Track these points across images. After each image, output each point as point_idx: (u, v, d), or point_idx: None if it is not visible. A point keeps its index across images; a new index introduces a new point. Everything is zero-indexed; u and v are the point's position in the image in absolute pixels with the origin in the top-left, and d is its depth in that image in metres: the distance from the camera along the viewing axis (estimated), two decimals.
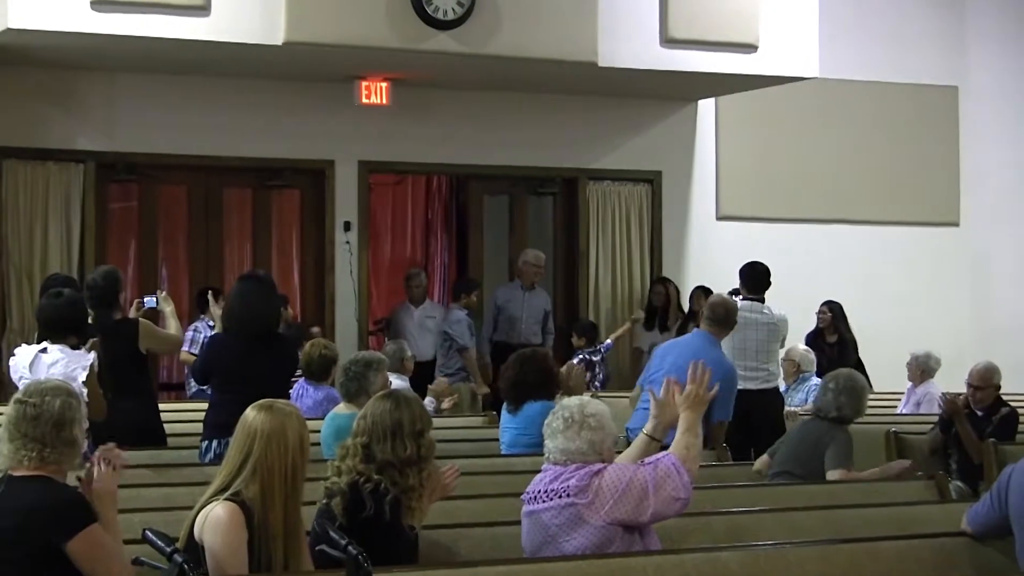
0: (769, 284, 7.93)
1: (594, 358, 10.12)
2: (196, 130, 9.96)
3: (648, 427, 4.24)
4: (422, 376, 9.27)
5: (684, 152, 11.37)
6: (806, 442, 5.97)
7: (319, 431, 5.92)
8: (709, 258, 11.21)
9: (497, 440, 6.54)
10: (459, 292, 10.10)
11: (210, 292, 6.64)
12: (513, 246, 11.16)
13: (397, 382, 6.96)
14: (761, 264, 7.98)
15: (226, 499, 3.49)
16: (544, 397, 6.15)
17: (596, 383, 9.99)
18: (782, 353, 8.32)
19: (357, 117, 10.19)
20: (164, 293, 7.20)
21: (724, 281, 10.74)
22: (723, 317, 6.80)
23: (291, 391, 7.49)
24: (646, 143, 11.19)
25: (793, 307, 8.20)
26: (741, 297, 7.99)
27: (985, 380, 7.18)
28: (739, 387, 6.82)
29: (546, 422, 3.98)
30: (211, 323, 9.07)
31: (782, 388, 8.47)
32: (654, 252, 11.20)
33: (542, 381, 6.17)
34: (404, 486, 3.85)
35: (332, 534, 3.41)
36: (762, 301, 7.85)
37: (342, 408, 6.06)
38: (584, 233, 11.12)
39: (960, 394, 7.21)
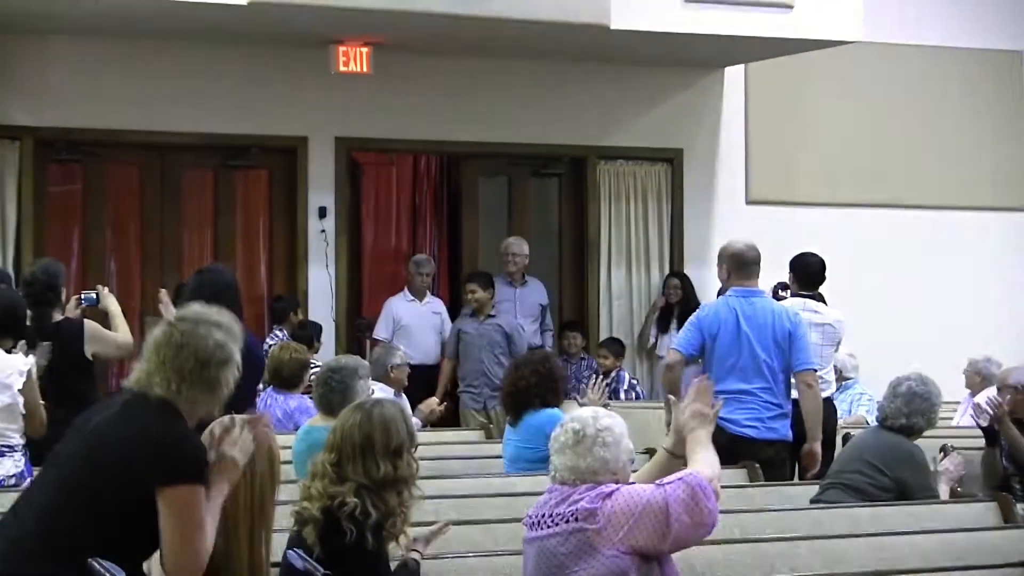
0: (824, 279, 7.93)
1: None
2: (149, 102, 9.96)
3: (668, 443, 4.24)
4: (426, 383, 9.24)
5: (708, 127, 11.38)
6: (879, 454, 5.92)
7: (290, 447, 5.93)
8: None
9: (496, 457, 6.57)
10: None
11: (162, 291, 6.65)
12: (512, 234, 11.14)
13: (381, 395, 6.95)
14: (815, 256, 7.98)
15: None
16: (546, 404, 6.16)
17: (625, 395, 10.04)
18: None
19: (333, 88, 10.19)
20: (105, 289, 7.14)
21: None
22: (752, 260, 6.85)
23: (257, 401, 7.51)
24: (665, 117, 11.20)
25: (833, 304, 8.18)
26: (790, 293, 8.00)
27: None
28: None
29: (552, 435, 3.97)
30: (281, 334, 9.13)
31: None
32: (674, 242, 11.20)
33: (543, 386, 6.18)
34: (384, 510, 3.85)
35: (307, 566, 3.40)
36: (816, 298, 7.85)
37: (318, 420, 6.07)
38: (594, 220, 11.13)
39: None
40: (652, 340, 11.00)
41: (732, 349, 6.73)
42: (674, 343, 7.03)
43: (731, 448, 6.22)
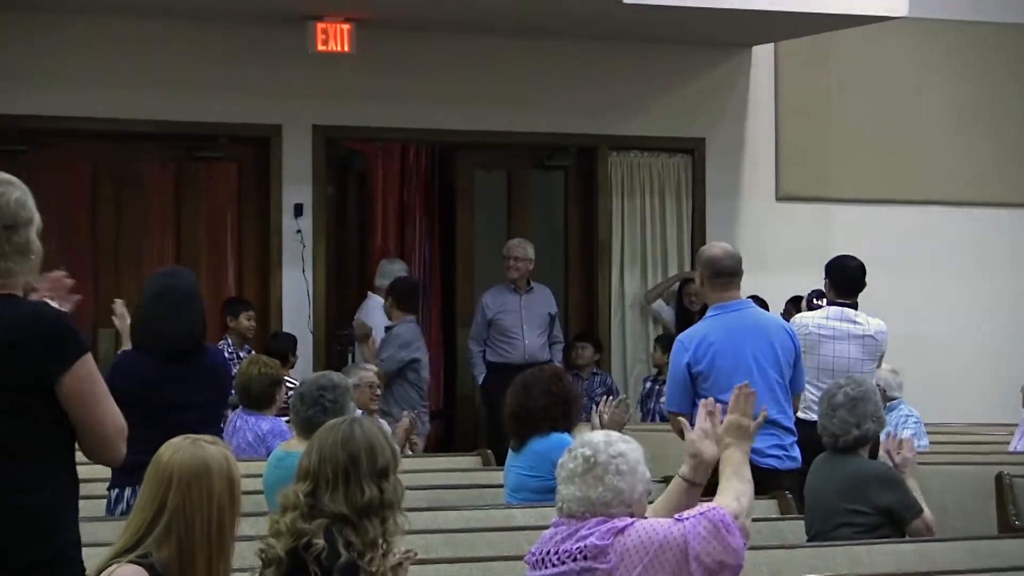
0: (863, 285, 7.92)
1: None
2: (103, 85, 9.97)
3: (684, 469, 4.21)
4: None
5: (735, 114, 11.39)
6: (847, 491, 5.88)
7: (261, 475, 5.91)
8: (767, 250, 11.22)
9: (496, 487, 6.57)
10: None
11: (117, 302, 6.66)
12: (513, 235, 11.13)
13: None
14: (853, 259, 7.97)
15: (131, 561, 3.46)
16: (556, 428, 6.15)
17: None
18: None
19: (311, 69, 10.21)
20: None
21: (786, 280, 10.72)
22: (734, 267, 6.83)
23: (225, 424, 7.46)
24: (685, 102, 11.21)
25: (873, 312, 8.16)
26: (826, 302, 7.98)
27: None
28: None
29: (560, 462, 3.95)
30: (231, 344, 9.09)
31: None
32: (695, 243, 11.14)
33: (554, 408, 6.18)
34: (362, 544, 3.81)
35: None
36: (854, 307, 7.84)
37: (294, 444, 6.02)
38: (605, 218, 11.14)
39: None
40: (661, 319, 10.99)
41: (735, 373, 6.63)
42: (664, 402, 7.00)
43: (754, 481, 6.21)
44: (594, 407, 6.76)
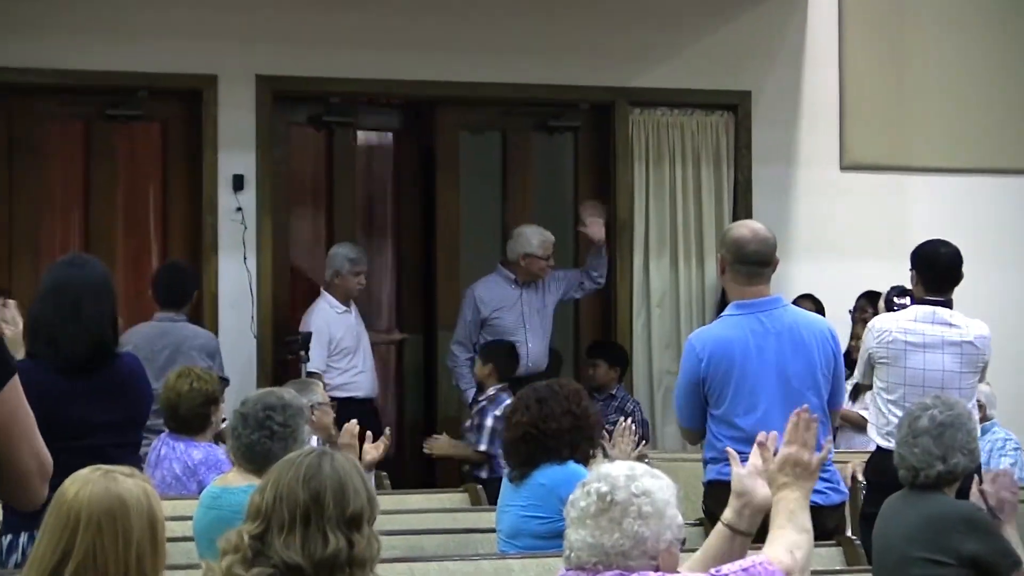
0: (959, 277, 7.96)
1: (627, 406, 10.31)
2: None
3: (728, 513, 4.25)
4: (371, 426, 9.26)
5: (787, 62, 11.41)
6: (926, 537, 5.90)
7: (191, 517, 5.93)
8: (828, 232, 11.28)
9: (486, 531, 6.61)
10: None
11: (9, 303, 6.62)
12: (509, 211, 11.18)
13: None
14: (947, 245, 8.01)
15: None
16: (575, 458, 6.20)
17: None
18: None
19: (254, 7, 10.23)
20: None
21: (852, 270, 10.73)
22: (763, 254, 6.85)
23: (146, 451, 7.44)
24: (725, 47, 11.22)
25: (958, 302, 8.18)
26: (909, 300, 8.04)
27: None
28: None
29: (570, 499, 4.00)
30: None
31: None
32: (739, 219, 11.11)
33: (576, 432, 6.24)
34: None
35: None
36: (949, 305, 7.89)
37: (233, 478, 6.07)
38: (625, 193, 11.15)
39: None
40: None
41: (760, 389, 6.76)
42: (677, 414, 7.11)
43: None
44: (606, 435, 6.80)
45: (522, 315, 10.39)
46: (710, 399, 6.76)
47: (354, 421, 7.98)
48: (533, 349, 10.36)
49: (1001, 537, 5.86)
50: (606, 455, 6.43)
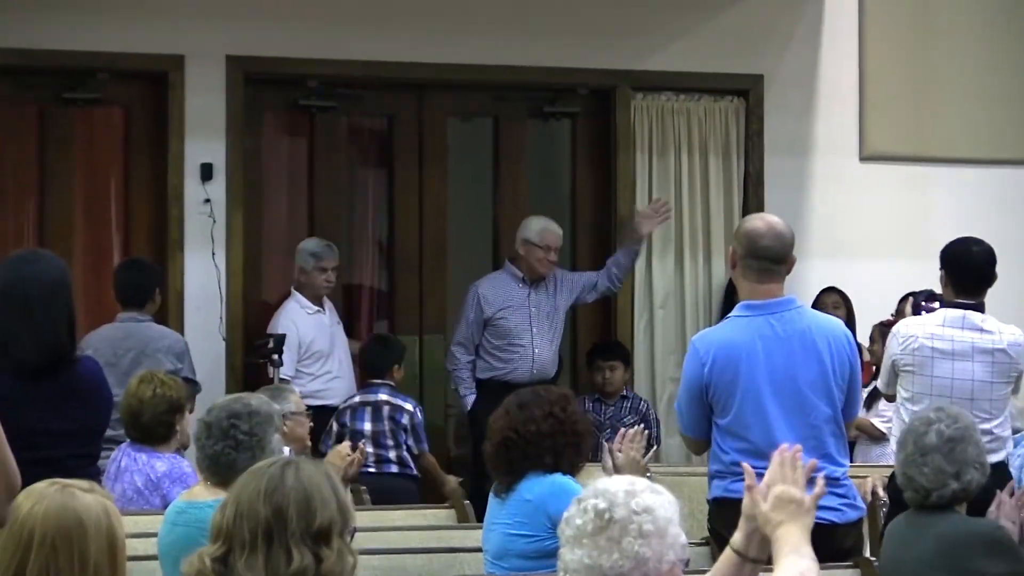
0: (992, 278, 7.98)
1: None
2: None
3: (737, 537, 4.26)
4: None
5: (803, 43, 11.43)
6: (943, 562, 5.91)
7: (154, 534, 5.93)
8: (845, 226, 11.31)
9: (473, 551, 6.59)
10: None
11: None
12: (501, 205, 11.22)
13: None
14: (979, 243, 8.03)
15: None
16: (560, 468, 6.22)
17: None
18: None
19: None
20: None
21: (871, 267, 10.71)
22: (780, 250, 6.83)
23: (106, 462, 7.43)
24: (735, 27, 11.25)
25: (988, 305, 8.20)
26: (939, 304, 8.04)
27: None
28: None
29: (565, 516, 3.98)
30: None
31: None
32: (750, 214, 11.12)
33: (560, 437, 6.25)
34: None
35: None
36: (981, 309, 7.90)
37: (200, 491, 6.09)
38: (626, 184, 11.17)
39: None
40: None
41: (768, 398, 6.76)
42: (679, 422, 7.09)
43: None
44: (604, 444, 6.79)
45: (529, 317, 10.39)
46: (715, 407, 6.75)
47: (346, 445, 8.02)
48: (539, 354, 10.35)
49: (1023, 557, 5.88)
50: (613, 462, 6.40)
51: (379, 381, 10.06)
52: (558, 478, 6.20)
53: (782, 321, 6.78)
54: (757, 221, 7.00)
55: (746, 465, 4.58)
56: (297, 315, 10.27)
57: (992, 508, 6.18)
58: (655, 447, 9.75)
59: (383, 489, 9.29)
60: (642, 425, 7.00)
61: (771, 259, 6.81)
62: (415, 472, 9.93)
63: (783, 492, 4.12)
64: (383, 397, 9.99)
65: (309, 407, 8.63)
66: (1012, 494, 6.35)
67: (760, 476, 4.22)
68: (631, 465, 6.26)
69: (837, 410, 6.80)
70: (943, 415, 6.11)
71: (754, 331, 6.75)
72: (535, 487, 6.18)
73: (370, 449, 9.57)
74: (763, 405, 6.70)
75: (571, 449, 6.30)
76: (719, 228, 11.22)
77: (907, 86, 11.59)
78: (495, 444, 6.33)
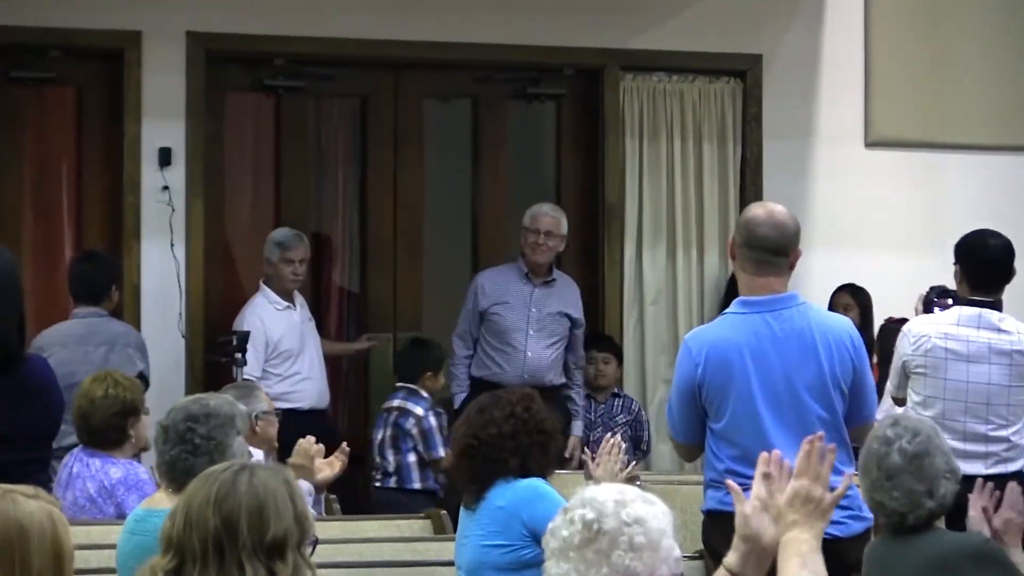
0: (1011, 273, 8.00)
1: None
2: None
3: (731, 557, 4.25)
4: (322, 439, 9.28)
5: (805, 21, 11.47)
6: None
7: (109, 545, 5.95)
8: (849, 215, 11.37)
9: (450, 564, 6.59)
10: None
11: None
12: (480, 191, 11.25)
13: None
14: (996, 236, 8.07)
15: None
16: (527, 471, 6.24)
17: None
18: None
19: None
20: None
21: (877, 259, 10.74)
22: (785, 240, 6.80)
23: (58, 469, 7.41)
24: (733, 4, 11.29)
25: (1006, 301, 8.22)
26: (951, 301, 8.09)
27: None
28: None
29: (550, 527, 3.98)
30: None
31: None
32: (747, 203, 11.11)
33: (523, 437, 6.26)
34: None
35: None
36: (998, 307, 7.92)
37: (160, 499, 6.09)
38: (615, 170, 11.21)
39: None
40: None
41: (764, 402, 6.74)
42: (669, 427, 7.08)
43: None
44: (587, 452, 6.79)
45: (528, 316, 10.37)
46: (709, 411, 6.73)
47: (311, 438, 7.99)
48: (533, 358, 10.31)
49: (1012, 566, 5.88)
50: (589, 476, 6.40)
51: (402, 385, 10.11)
52: (530, 482, 6.22)
53: (780, 319, 6.76)
54: (758, 208, 6.98)
55: (730, 483, 4.57)
56: (264, 311, 10.26)
57: (972, 513, 6.17)
58: (642, 458, 9.77)
59: (381, 507, 9.34)
60: (617, 436, 6.99)
61: (769, 250, 6.78)
62: (419, 484, 9.93)
63: (803, 488, 4.13)
64: (395, 403, 10.03)
65: (277, 411, 8.62)
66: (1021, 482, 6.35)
67: (748, 488, 4.21)
68: (609, 479, 6.26)
69: (838, 414, 6.77)
70: (901, 430, 6.03)
71: (750, 330, 6.73)
72: (506, 493, 6.19)
73: (378, 459, 9.64)
74: (757, 409, 6.68)
75: (537, 449, 6.30)
76: (713, 218, 11.27)
77: (916, 67, 11.63)
78: (457, 453, 6.36)
